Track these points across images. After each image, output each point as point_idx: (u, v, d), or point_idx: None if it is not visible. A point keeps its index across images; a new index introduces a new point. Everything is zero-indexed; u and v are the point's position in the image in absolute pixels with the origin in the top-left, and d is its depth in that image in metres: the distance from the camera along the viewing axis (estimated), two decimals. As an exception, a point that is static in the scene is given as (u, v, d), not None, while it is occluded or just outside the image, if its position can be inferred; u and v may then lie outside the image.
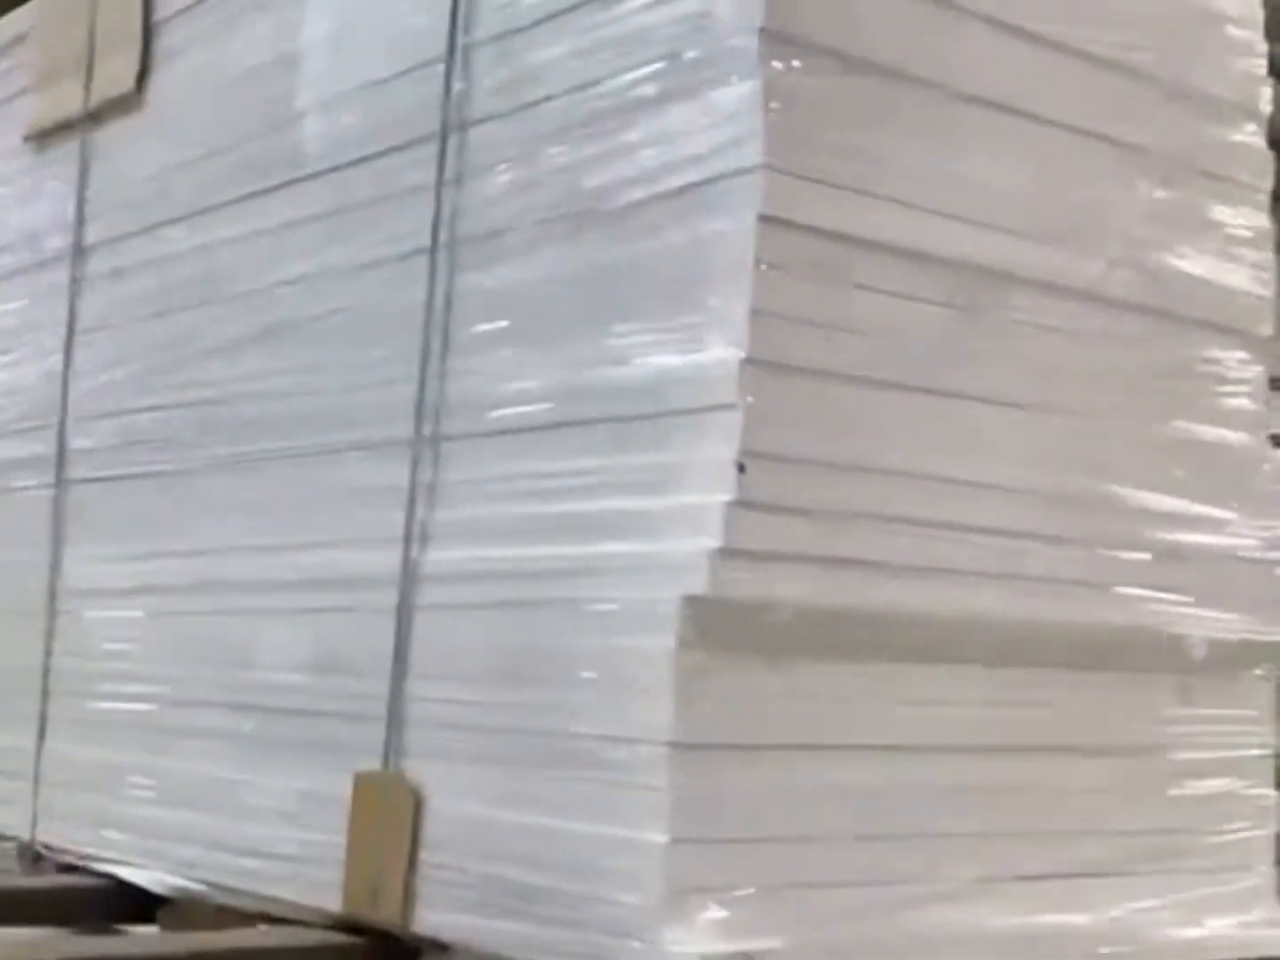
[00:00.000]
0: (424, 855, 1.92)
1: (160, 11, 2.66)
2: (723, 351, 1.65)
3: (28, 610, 2.64)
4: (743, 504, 1.62)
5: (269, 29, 2.42)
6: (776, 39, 1.69)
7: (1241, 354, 2.16)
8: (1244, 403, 2.16)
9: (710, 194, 1.70)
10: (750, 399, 1.64)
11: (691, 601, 1.62)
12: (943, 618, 1.78)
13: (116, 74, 2.71)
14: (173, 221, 2.58)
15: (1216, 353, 2.13)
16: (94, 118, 2.73)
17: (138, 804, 2.42)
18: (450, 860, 1.89)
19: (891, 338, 1.76)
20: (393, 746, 1.99)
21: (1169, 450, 2.06)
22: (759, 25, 1.69)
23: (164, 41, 2.65)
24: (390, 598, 2.01)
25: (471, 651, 1.91)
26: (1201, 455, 2.10)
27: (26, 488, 2.73)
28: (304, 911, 2.13)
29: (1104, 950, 1.92)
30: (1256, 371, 2.17)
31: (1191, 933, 2.02)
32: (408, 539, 2.00)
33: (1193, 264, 2.08)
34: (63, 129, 2.82)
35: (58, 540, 2.60)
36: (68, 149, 2.81)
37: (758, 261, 1.66)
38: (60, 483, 2.63)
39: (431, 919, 1.90)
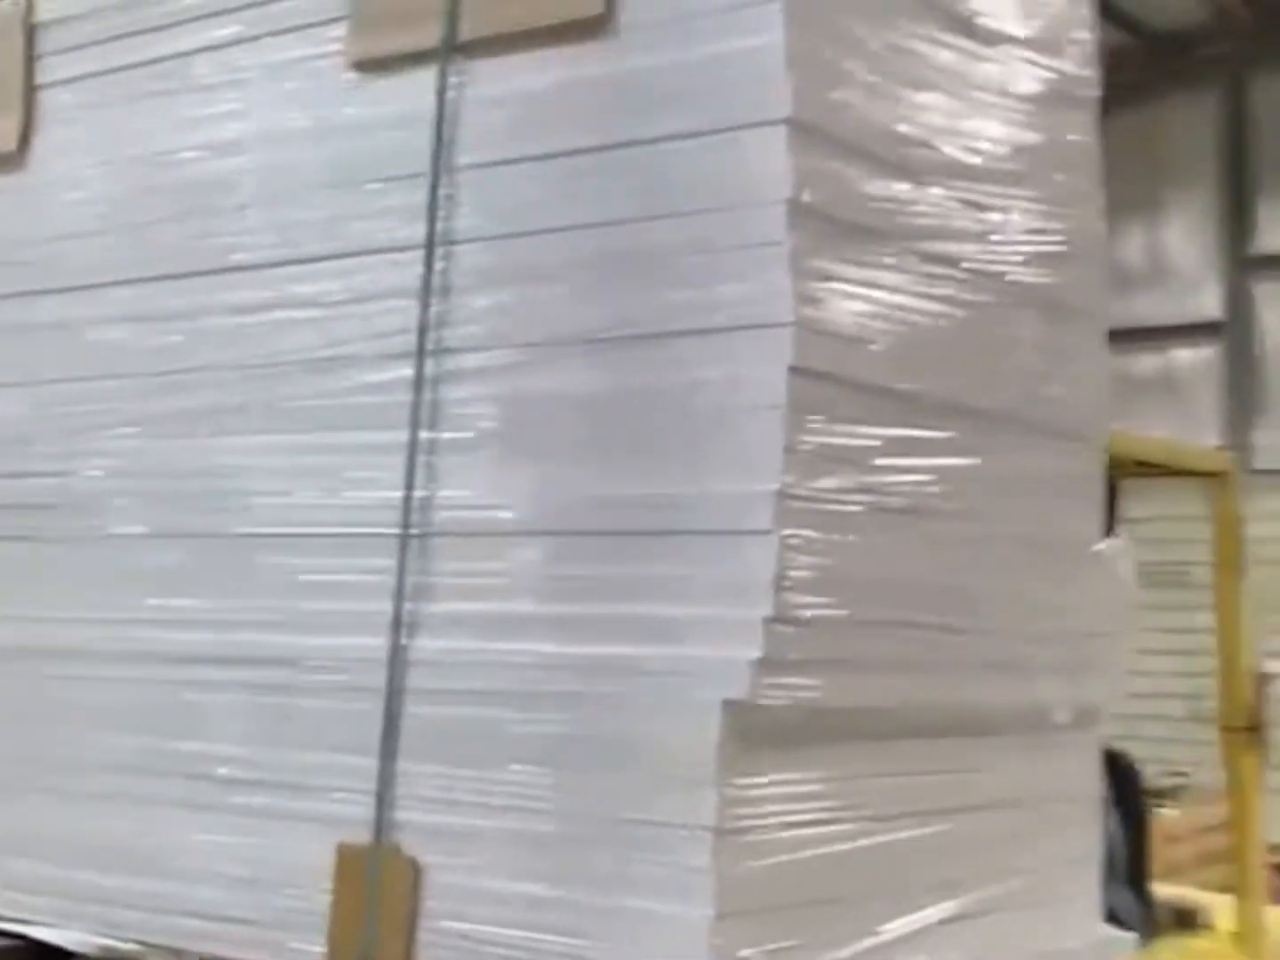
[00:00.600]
0: (424, 923, 2.11)
1: (45, 75, 2.73)
2: (759, 484, 1.92)
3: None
4: (778, 620, 1.91)
5: (183, 116, 2.55)
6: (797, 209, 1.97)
7: (1082, 459, 2.59)
8: (1085, 501, 2.59)
9: (741, 340, 1.97)
10: (784, 530, 1.92)
11: (731, 703, 1.89)
12: (910, 704, 2.12)
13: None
14: (66, 290, 2.64)
15: (1067, 461, 2.55)
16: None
17: (66, 867, 2.48)
18: (457, 928, 2.10)
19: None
20: (384, 820, 2.16)
21: (1035, 547, 2.46)
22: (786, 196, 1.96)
23: (47, 106, 2.72)
24: (371, 679, 2.18)
25: (474, 735, 2.11)
26: (1058, 549, 2.51)
27: None
28: None
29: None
30: (1094, 472, 2.61)
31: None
32: (396, 626, 2.18)
33: (1058, 388, 2.49)
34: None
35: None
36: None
37: (789, 406, 1.93)
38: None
39: None
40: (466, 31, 2.24)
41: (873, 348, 2.08)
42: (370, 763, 2.18)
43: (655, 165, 2.07)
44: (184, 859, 2.38)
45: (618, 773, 1.98)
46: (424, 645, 2.18)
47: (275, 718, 2.31)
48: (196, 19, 2.55)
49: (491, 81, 2.23)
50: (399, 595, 2.19)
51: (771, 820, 1.97)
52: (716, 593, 1.95)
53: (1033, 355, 2.44)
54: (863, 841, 2.11)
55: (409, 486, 2.20)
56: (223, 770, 2.35)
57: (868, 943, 2.09)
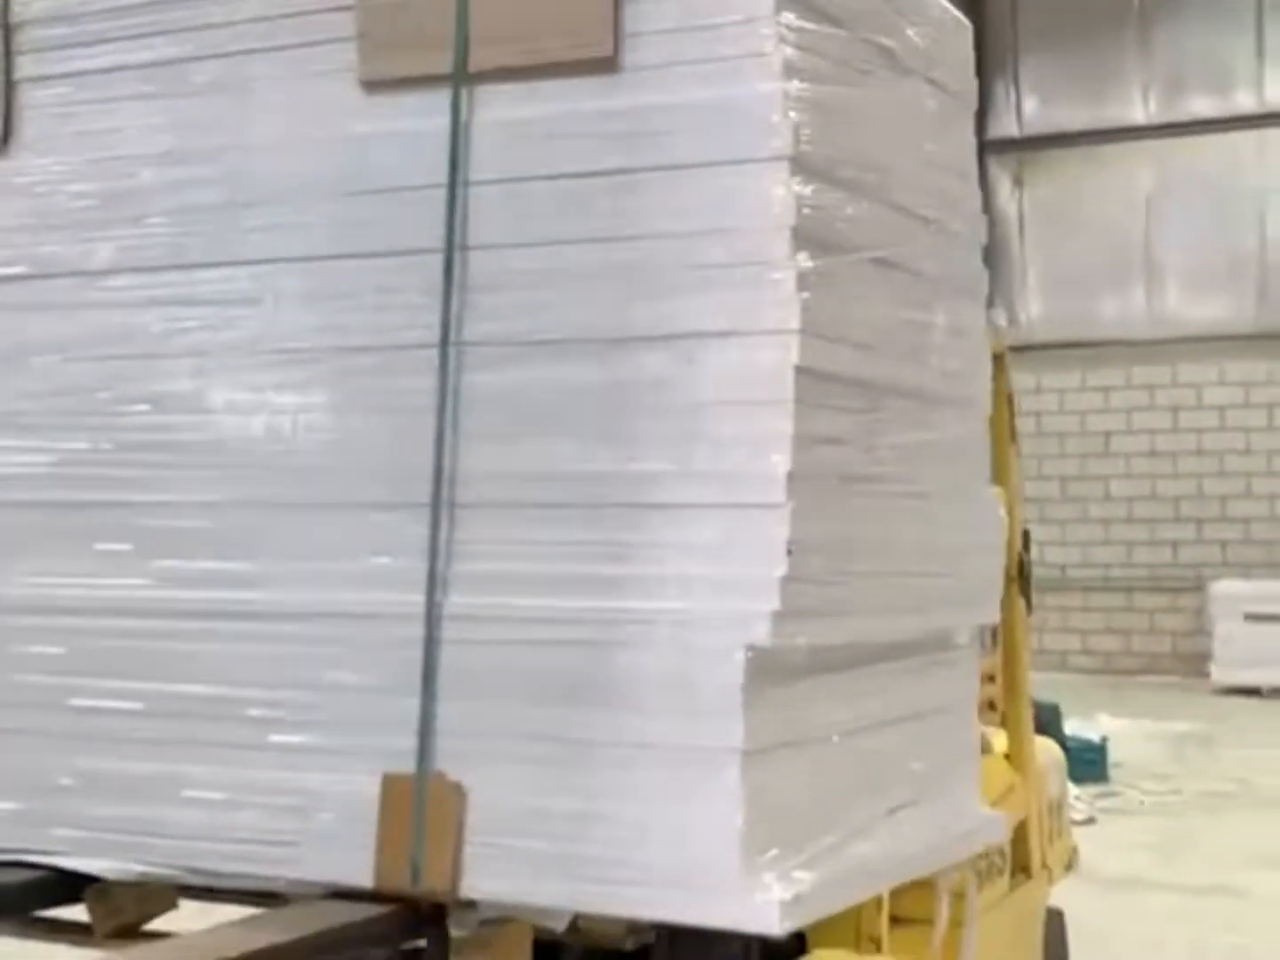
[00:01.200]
0: (468, 839, 2.52)
1: (22, 72, 2.97)
2: (774, 465, 2.38)
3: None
4: (789, 578, 2.38)
5: (178, 119, 2.84)
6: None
7: (973, 422, 3.12)
8: (977, 457, 3.13)
9: (755, 343, 2.41)
10: (791, 503, 2.38)
11: (751, 647, 2.36)
12: (864, 638, 2.64)
13: None
14: (63, 275, 2.92)
15: (964, 425, 3.07)
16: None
17: (112, 805, 2.79)
18: (497, 841, 2.51)
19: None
20: (427, 750, 2.55)
21: (944, 500, 2.98)
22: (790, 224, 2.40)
23: (26, 102, 2.96)
24: (409, 631, 2.57)
25: (506, 677, 2.52)
26: (958, 500, 3.05)
27: None
28: (301, 886, 2.65)
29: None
30: (982, 431, 3.16)
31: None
32: (431, 583, 2.55)
33: (957, 362, 3.01)
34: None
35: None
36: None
37: (796, 400, 2.39)
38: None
39: (481, 886, 2.52)
40: (476, 62, 2.59)
41: (843, 345, 2.54)
42: (410, 702, 2.56)
43: (656, 189, 2.49)
44: (228, 792, 2.71)
45: (650, 707, 2.43)
46: (456, 600, 2.57)
47: (321, 665, 2.66)
48: (196, 29, 2.83)
49: (500, 106, 2.60)
50: (433, 556, 2.57)
51: (775, 740, 2.45)
52: (738, 556, 2.40)
53: (942, 337, 2.94)
54: (836, 753, 2.62)
55: (439, 461, 2.57)
56: (270, 712, 2.69)
57: (843, 834, 2.60)
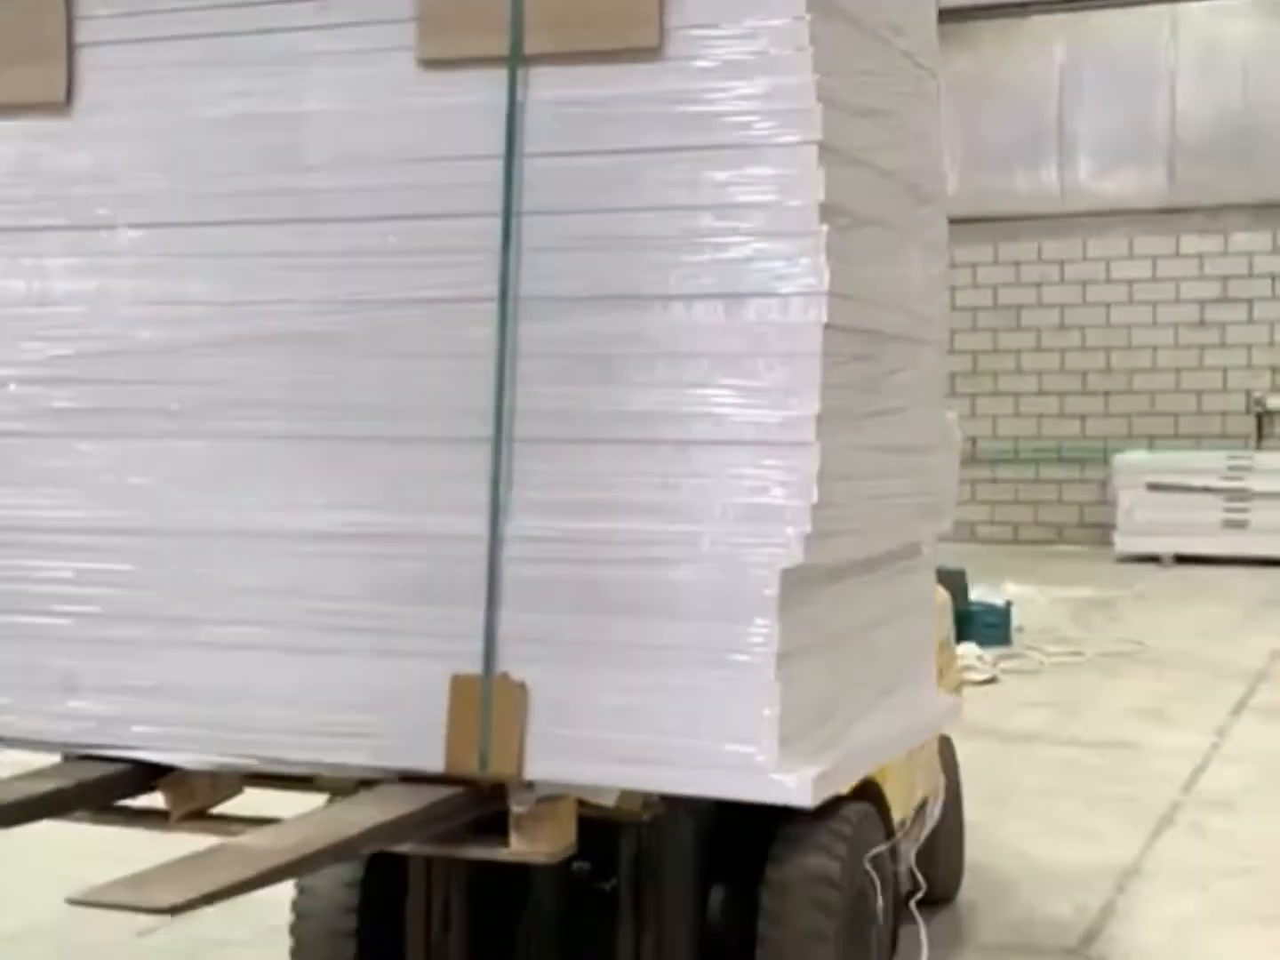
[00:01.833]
0: (531, 731, 3.00)
1: (85, 36, 3.30)
2: (805, 409, 2.86)
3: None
4: (816, 506, 2.87)
5: (234, 88, 3.20)
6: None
7: (940, 359, 3.62)
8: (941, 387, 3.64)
9: (789, 303, 2.88)
10: (818, 440, 2.87)
11: (787, 564, 2.87)
12: (861, 553, 3.22)
13: (41, 81, 3.31)
14: (130, 226, 3.29)
15: (933, 362, 3.58)
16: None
17: (189, 702, 3.23)
18: (556, 730, 2.99)
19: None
20: (492, 654, 3.02)
21: (915, 428, 3.48)
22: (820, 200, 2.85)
23: (89, 63, 3.30)
24: (474, 550, 3.02)
25: (564, 590, 2.98)
26: (926, 428, 3.57)
27: None
28: (373, 771, 3.11)
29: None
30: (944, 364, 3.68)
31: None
32: (494, 509, 3.01)
33: (930, 308, 3.49)
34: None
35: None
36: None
37: (824, 352, 2.87)
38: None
39: (541, 769, 3.01)
40: (531, 46, 2.99)
41: (852, 301, 3.00)
42: (476, 612, 3.02)
43: (697, 166, 2.92)
44: (305, 691, 3.15)
45: (695, 615, 2.92)
46: (517, 524, 3.02)
47: (394, 580, 3.11)
48: (256, 4, 3.18)
49: (550, 86, 3.00)
50: (495, 485, 3.02)
51: (800, 642, 2.96)
52: (774, 486, 2.89)
53: (919, 285, 3.41)
54: (842, 650, 3.16)
55: (500, 401, 3.01)
56: (346, 621, 3.13)
57: (848, 719, 3.15)
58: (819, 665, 3.05)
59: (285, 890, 4.50)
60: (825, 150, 2.87)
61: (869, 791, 3.49)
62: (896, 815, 3.75)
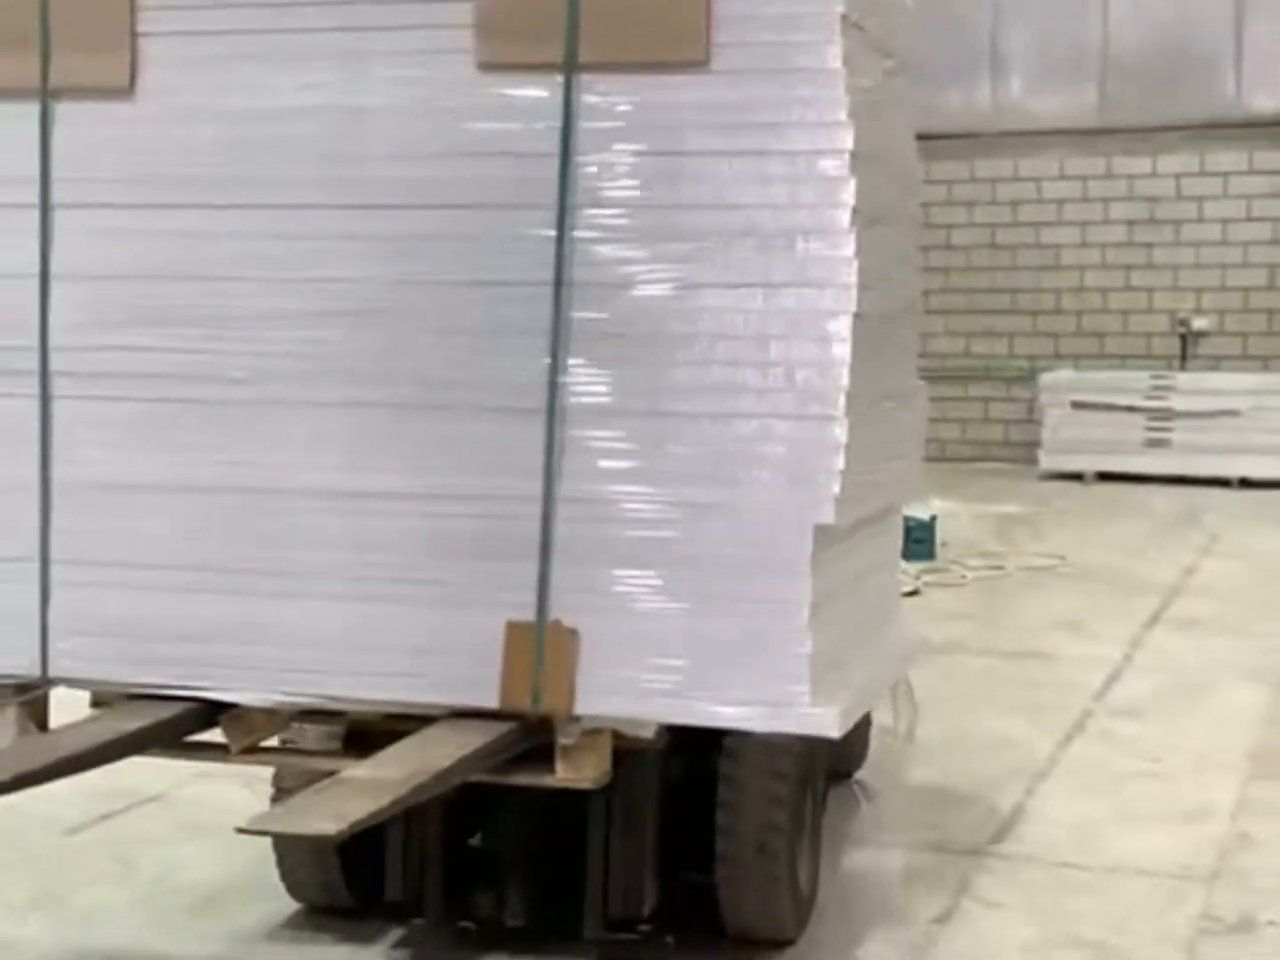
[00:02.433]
0: (581, 674, 3.45)
1: (147, 26, 3.64)
2: (835, 384, 3.33)
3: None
4: (843, 471, 3.35)
5: (307, 79, 3.56)
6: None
7: (913, 331, 4.20)
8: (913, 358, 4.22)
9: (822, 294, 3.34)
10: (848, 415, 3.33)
11: (819, 523, 3.34)
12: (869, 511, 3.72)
13: (104, 68, 3.65)
14: (186, 206, 3.66)
15: (908, 334, 4.16)
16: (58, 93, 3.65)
17: (258, 644, 3.64)
18: (605, 671, 3.45)
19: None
20: (544, 602, 3.46)
21: (895, 399, 4.00)
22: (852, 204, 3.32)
23: (151, 52, 3.65)
24: (527, 510, 3.45)
25: (617, 545, 3.43)
26: (902, 396, 4.12)
27: None
28: (429, 708, 3.56)
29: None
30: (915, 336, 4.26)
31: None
32: (547, 472, 3.45)
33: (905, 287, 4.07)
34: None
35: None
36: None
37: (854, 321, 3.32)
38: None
39: (590, 706, 3.47)
40: (585, 55, 3.37)
41: (868, 290, 3.44)
42: (529, 565, 3.48)
43: (738, 169, 3.35)
44: (367, 635, 3.57)
45: (736, 569, 3.39)
46: (568, 486, 3.45)
47: (453, 536, 3.54)
48: (317, 4, 3.54)
49: (601, 91, 3.39)
50: (549, 451, 3.45)
51: (825, 591, 3.45)
52: (808, 454, 3.36)
53: (901, 268, 3.90)
54: (850, 598, 3.70)
55: (553, 376, 3.44)
56: (406, 574, 3.56)
57: (856, 658, 3.68)
58: (834, 612, 3.54)
59: (200, 790, 5.13)
60: (854, 157, 3.32)
61: None
62: None
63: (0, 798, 3.33)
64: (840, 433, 3.33)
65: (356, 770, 3.22)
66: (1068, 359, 16.37)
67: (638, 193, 3.39)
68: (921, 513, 11.08)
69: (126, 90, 3.65)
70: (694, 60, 3.32)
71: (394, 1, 3.50)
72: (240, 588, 3.65)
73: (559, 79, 3.38)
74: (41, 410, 3.69)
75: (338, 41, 3.54)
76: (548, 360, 3.42)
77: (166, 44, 3.64)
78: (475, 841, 4.09)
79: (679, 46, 3.31)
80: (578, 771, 3.50)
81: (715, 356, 3.38)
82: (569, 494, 3.45)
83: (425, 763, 3.23)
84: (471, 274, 3.49)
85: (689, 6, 3.30)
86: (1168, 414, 15.45)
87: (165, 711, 3.67)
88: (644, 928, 4.29)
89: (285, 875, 4.36)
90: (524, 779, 3.57)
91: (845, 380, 3.33)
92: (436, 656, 3.54)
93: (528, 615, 3.47)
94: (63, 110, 3.68)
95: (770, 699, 3.39)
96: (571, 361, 3.43)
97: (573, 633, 3.45)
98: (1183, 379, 15.67)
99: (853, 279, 3.31)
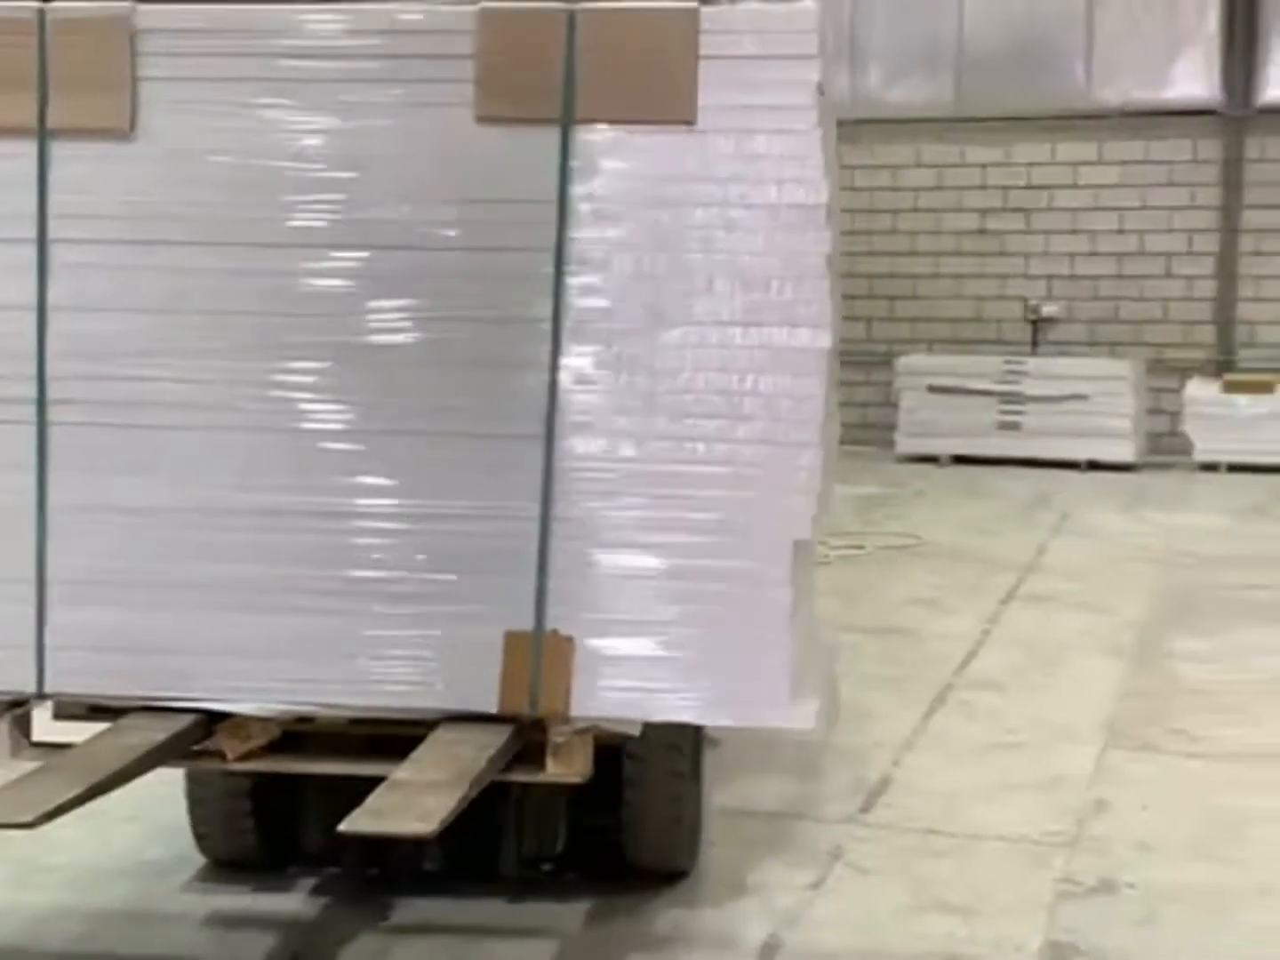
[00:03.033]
0: (576, 679, 3.75)
1: (146, 70, 3.81)
2: (811, 414, 3.68)
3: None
4: (819, 492, 3.73)
5: (307, 124, 3.76)
6: None
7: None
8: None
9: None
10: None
11: (798, 539, 3.74)
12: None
13: (104, 109, 3.80)
14: (184, 244, 3.83)
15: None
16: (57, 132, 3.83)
17: (259, 658, 3.84)
18: (597, 677, 3.75)
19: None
20: (542, 614, 3.75)
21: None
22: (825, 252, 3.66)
23: (149, 96, 3.81)
24: (525, 530, 3.73)
25: (610, 564, 3.74)
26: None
27: None
28: (427, 712, 3.80)
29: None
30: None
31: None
32: (546, 494, 3.73)
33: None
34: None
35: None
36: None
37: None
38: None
39: (584, 708, 3.76)
40: (581, 112, 3.68)
41: (833, 327, 3.79)
42: (527, 580, 3.75)
43: (723, 218, 3.68)
44: (370, 647, 3.80)
45: (722, 584, 3.71)
46: (563, 507, 3.74)
47: (461, 553, 3.78)
48: (322, 56, 3.76)
49: (595, 145, 3.69)
50: (547, 474, 3.73)
51: (800, 599, 3.80)
52: (785, 477, 3.69)
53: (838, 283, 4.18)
54: (806, 602, 3.93)
55: (551, 405, 3.73)
56: (411, 589, 3.80)
57: (809, 658, 3.90)
58: (800, 617, 3.87)
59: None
60: (826, 210, 3.70)
61: None
62: None
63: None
64: (816, 457, 3.70)
65: (401, 773, 3.50)
66: (923, 344, 16.70)
67: (628, 238, 3.71)
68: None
69: (127, 131, 3.82)
70: (684, 119, 3.65)
71: (395, 57, 3.76)
72: (241, 603, 3.86)
73: (556, 132, 3.68)
74: (38, 436, 3.85)
75: (339, 92, 3.77)
76: (545, 389, 3.72)
77: (166, 88, 3.82)
78: None
79: (670, 107, 3.64)
80: (568, 767, 3.81)
81: (700, 387, 3.72)
82: (564, 514, 3.76)
83: (463, 765, 3.55)
84: (470, 310, 3.76)
85: (680, 71, 3.62)
86: (1019, 398, 15.88)
87: (174, 723, 3.83)
88: (548, 867, 4.77)
89: (197, 829, 4.66)
90: (518, 775, 3.87)
91: (820, 410, 3.70)
92: (438, 665, 3.82)
93: (524, 625, 3.78)
94: (62, 149, 3.84)
95: (754, 698, 3.74)
96: (566, 391, 3.74)
97: (568, 640, 3.76)
98: (1033, 364, 16.11)
99: (827, 318, 3.68)
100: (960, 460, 15.66)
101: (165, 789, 4.60)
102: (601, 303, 3.71)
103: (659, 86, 3.63)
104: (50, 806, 3.32)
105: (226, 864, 4.86)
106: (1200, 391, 15.73)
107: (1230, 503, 13.54)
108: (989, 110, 16.55)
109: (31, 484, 3.84)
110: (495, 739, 3.68)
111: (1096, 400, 15.60)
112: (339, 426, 3.81)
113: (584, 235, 3.70)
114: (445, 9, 3.72)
